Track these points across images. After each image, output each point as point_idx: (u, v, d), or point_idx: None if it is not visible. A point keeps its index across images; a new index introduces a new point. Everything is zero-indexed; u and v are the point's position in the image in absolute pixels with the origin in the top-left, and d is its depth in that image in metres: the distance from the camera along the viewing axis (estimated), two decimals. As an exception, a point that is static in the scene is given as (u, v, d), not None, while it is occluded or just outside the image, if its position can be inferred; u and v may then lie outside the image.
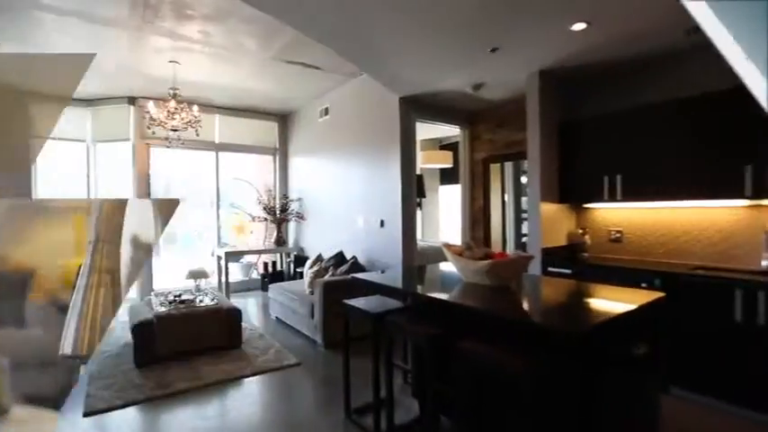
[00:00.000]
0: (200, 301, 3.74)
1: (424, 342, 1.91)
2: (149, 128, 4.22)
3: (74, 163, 5.71)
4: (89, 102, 5.55)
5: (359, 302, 2.48)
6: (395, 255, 4.27)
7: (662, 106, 2.96)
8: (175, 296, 3.71)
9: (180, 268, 6.31)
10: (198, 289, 4.04)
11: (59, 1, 3.11)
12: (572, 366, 1.58)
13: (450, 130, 6.80)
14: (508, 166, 5.27)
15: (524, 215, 5.64)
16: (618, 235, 3.49)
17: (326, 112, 5.51)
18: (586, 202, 3.59)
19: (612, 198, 3.21)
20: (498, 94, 4.20)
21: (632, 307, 1.64)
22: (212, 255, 6.18)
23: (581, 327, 1.46)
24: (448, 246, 2.34)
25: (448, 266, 2.91)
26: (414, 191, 4.26)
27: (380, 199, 4.48)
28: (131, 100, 5.45)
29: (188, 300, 3.67)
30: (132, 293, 5.62)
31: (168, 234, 14.17)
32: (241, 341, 3.75)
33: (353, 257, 4.34)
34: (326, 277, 4.10)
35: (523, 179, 5.50)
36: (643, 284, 2.77)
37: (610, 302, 1.86)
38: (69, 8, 3.20)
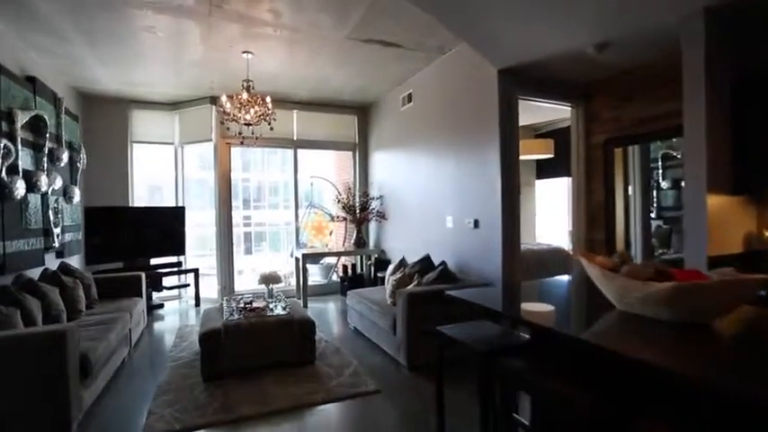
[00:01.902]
0: (272, 310, 3.38)
1: (581, 412, 1.20)
2: (223, 123, 4.02)
3: (165, 165, 5.86)
4: (176, 105, 5.64)
5: (458, 330, 1.83)
6: (492, 260, 3.53)
7: None
8: (246, 303, 3.40)
9: (267, 266, 6.22)
10: (270, 294, 3.71)
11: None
12: None
13: (550, 114, 5.84)
14: (632, 151, 4.20)
15: (654, 211, 4.51)
16: (837, 240, 2.37)
17: (409, 98, 4.93)
18: (780, 193, 2.52)
19: (839, 185, 2.14)
20: (628, 56, 3.24)
21: None
22: (291, 256, 5.97)
23: None
24: (590, 258, 1.59)
25: (562, 280, 2.13)
26: (517, 184, 3.49)
27: (474, 195, 3.77)
28: (213, 100, 5.40)
29: (258, 308, 3.33)
30: (213, 294, 5.59)
31: (258, 233, 14.84)
32: (314, 357, 3.31)
33: (442, 263, 3.69)
34: (411, 287, 3.51)
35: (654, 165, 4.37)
36: None
37: None
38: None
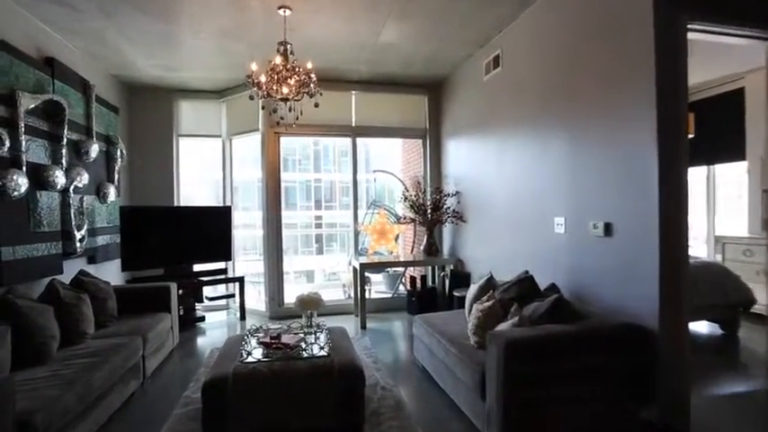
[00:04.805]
0: (306, 349, 2.42)
1: None
2: (252, 98, 3.17)
3: (213, 159, 5.30)
4: (222, 92, 5.04)
5: None
6: (638, 288, 2.22)
7: None
8: (273, 337, 2.48)
9: (336, 267, 5.35)
10: (310, 323, 2.76)
11: None
12: None
13: (695, 74, 4.28)
14: None
15: None
16: None
17: (496, 62, 3.73)
18: None
19: None
20: None
21: None
22: (350, 264, 5.05)
23: None
24: None
25: None
26: (686, 169, 2.15)
27: (603, 188, 2.49)
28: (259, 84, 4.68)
29: (288, 345, 2.39)
30: (261, 306, 4.86)
31: (330, 235, 14.39)
32: (362, 420, 2.29)
33: (553, 288, 2.47)
34: (507, 324, 2.33)
35: None
36: None
37: None
38: None
